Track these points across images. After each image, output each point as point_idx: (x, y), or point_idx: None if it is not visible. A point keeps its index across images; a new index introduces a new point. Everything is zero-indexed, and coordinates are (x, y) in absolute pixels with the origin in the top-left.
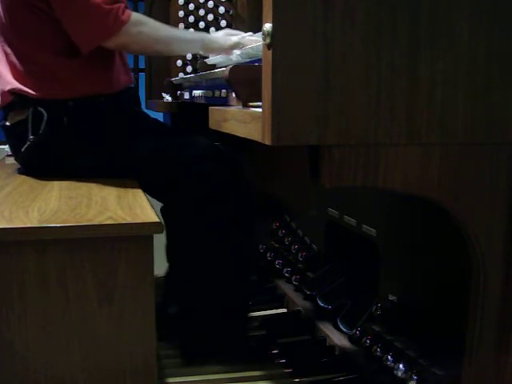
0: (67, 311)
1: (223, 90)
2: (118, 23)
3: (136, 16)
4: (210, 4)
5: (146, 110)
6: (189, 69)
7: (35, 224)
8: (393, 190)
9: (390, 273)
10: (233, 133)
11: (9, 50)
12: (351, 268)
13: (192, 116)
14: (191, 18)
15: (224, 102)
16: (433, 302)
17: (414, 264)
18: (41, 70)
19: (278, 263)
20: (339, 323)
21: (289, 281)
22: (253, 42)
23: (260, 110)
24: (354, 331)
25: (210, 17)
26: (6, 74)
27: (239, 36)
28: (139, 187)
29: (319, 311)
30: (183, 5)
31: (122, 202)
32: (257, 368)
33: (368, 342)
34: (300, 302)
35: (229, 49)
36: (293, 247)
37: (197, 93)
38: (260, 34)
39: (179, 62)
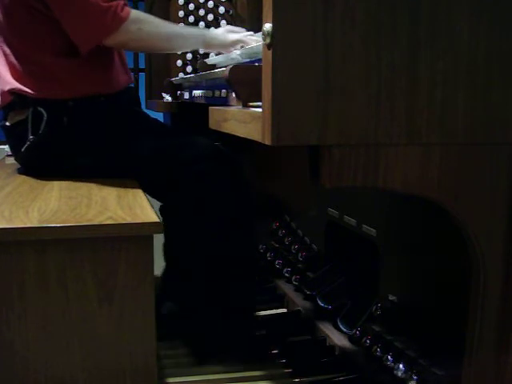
0: (67, 311)
1: (223, 90)
2: (117, 21)
3: (135, 13)
4: (210, 4)
5: (146, 110)
6: (189, 69)
7: (35, 224)
8: (393, 190)
9: (390, 273)
10: (233, 133)
11: (8, 51)
12: (351, 268)
13: (192, 116)
14: (191, 18)
15: (224, 101)
16: (433, 302)
17: (414, 264)
18: (40, 70)
19: (278, 263)
20: (339, 323)
21: (289, 281)
22: (253, 40)
23: (260, 110)
24: (353, 331)
25: (210, 17)
26: (6, 75)
27: (240, 34)
28: (139, 187)
29: (319, 311)
30: (183, 5)
31: (122, 201)
32: (257, 368)
33: (368, 341)
34: (300, 302)
35: (229, 45)
36: (293, 247)
37: (197, 93)
38: (260, 33)
39: (179, 62)
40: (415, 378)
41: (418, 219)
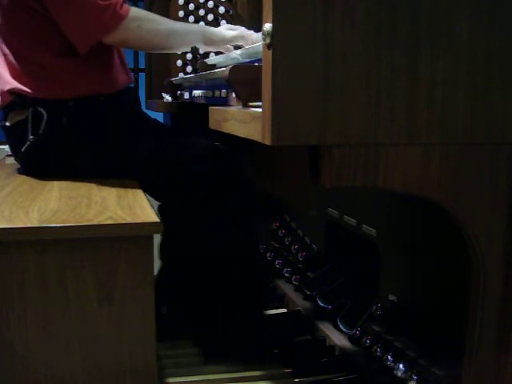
0: (67, 311)
1: (223, 90)
2: (116, 19)
3: (135, 11)
4: (210, 4)
5: (146, 110)
6: (189, 69)
7: (35, 224)
8: (393, 190)
9: (390, 273)
10: (233, 133)
11: (7, 51)
12: (351, 268)
13: (192, 116)
14: (191, 18)
15: (224, 101)
16: (433, 302)
17: (414, 264)
18: (40, 70)
19: (278, 263)
20: (339, 323)
21: (289, 281)
22: (253, 36)
23: (260, 110)
24: (354, 331)
25: (210, 17)
26: (5, 75)
27: (240, 30)
28: (139, 187)
29: (319, 311)
30: (183, 5)
31: (122, 201)
32: (257, 368)
33: (368, 341)
34: (300, 302)
35: (230, 41)
36: (293, 247)
37: (197, 93)
38: (260, 33)
39: (179, 62)
40: (415, 377)
41: (418, 219)
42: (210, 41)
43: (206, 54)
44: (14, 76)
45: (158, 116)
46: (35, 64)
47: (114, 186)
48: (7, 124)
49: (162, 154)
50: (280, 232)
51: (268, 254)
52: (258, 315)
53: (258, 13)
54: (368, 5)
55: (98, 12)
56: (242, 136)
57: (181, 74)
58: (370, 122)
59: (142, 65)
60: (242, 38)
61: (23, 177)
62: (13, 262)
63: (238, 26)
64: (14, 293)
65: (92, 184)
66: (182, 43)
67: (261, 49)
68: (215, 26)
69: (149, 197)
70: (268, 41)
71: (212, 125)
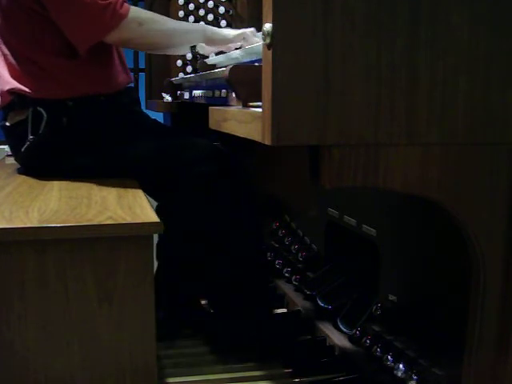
0: (67, 311)
1: (223, 90)
2: (117, 18)
3: (135, 10)
4: (210, 4)
5: (146, 110)
6: (189, 69)
7: (35, 224)
8: (393, 190)
9: (390, 273)
10: (233, 133)
11: (7, 51)
12: (351, 268)
13: (192, 116)
14: (191, 18)
15: (224, 102)
16: (433, 302)
17: (414, 264)
18: (39, 70)
19: (278, 263)
20: (339, 323)
21: (289, 281)
22: (255, 34)
23: (260, 110)
24: (353, 331)
25: (210, 17)
26: (5, 75)
27: (242, 30)
28: (139, 187)
29: (319, 311)
30: (183, 5)
31: (121, 201)
32: (257, 368)
33: (368, 342)
34: (300, 302)
35: (232, 40)
36: (293, 247)
37: (197, 93)
38: (261, 33)
39: (179, 62)
40: (415, 377)
41: (418, 219)
42: (211, 40)
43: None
44: (14, 76)
45: (158, 116)
46: (35, 64)
47: (113, 186)
48: (7, 124)
49: (162, 154)
50: (280, 232)
51: (268, 254)
52: (264, 313)
53: (258, 13)
54: (368, 5)
55: (97, 11)
56: (242, 136)
57: (181, 74)
58: (369, 122)
59: (142, 65)
60: (244, 37)
61: (23, 177)
62: (13, 261)
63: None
64: (13, 293)
65: (92, 184)
66: (182, 42)
67: (261, 49)
68: (215, 26)
69: (148, 197)
70: (268, 41)
71: (212, 125)
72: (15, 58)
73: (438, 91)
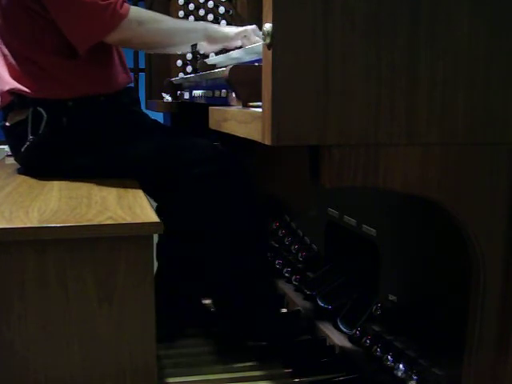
0: (67, 311)
1: (223, 90)
2: (117, 18)
3: (135, 10)
4: (210, 4)
5: (146, 110)
6: (189, 69)
7: (35, 224)
8: (393, 190)
9: (390, 273)
10: (233, 133)
11: (6, 52)
12: (351, 268)
13: (192, 116)
14: (191, 18)
15: (224, 102)
16: (433, 302)
17: (414, 264)
18: (39, 70)
19: (278, 263)
20: (339, 323)
21: (289, 281)
22: (256, 31)
23: (260, 110)
24: (353, 331)
25: (210, 17)
26: (5, 75)
27: (243, 27)
28: (139, 187)
29: (319, 311)
30: (183, 5)
31: (122, 201)
32: (257, 368)
33: (368, 342)
34: (300, 302)
35: (233, 38)
36: (293, 247)
37: (197, 93)
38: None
39: (179, 62)
40: (415, 378)
41: (418, 219)
42: (212, 38)
43: (206, 54)
44: (14, 76)
45: (158, 116)
46: (35, 64)
47: (113, 186)
48: (7, 124)
49: (162, 154)
50: (280, 232)
51: (268, 254)
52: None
53: (258, 13)
54: (368, 5)
55: (98, 12)
56: (242, 136)
57: (181, 74)
58: (369, 122)
59: (142, 65)
60: (245, 35)
61: (23, 177)
62: (13, 261)
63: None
64: (13, 293)
65: (92, 184)
66: (183, 41)
67: (261, 49)
68: None
69: (148, 197)
70: (268, 41)
71: (212, 125)
72: (15, 59)
73: (437, 91)
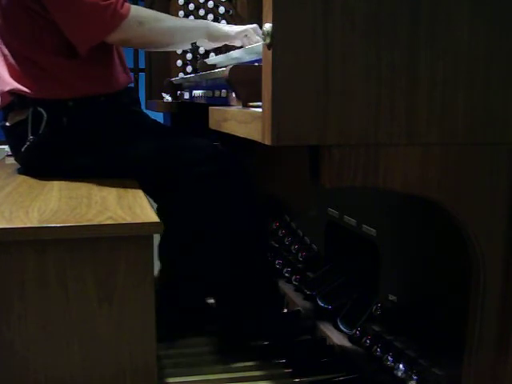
0: (67, 311)
1: (223, 90)
2: (118, 18)
3: (136, 9)
4: (210, 4)
5: (146, 110)
6: (189, 69)
7: (35, 224)
8: (393, 190)
9: (390, 273)
10: (233, 133)
11: (7, 52)
12: (351, 268)
13: (192, 116)
14: (191, 18)
15: (224, 102)
16: (433, 302)
17: (414, 264)
18: (40, 70)
19: (278, 263)
20: (339, 323)
21: (289, 281)
22: (257, 30)
23: (260, 110)
24: (353, 331)
25: (210, 17)
26: (5, 75)
27: (244, 26)
28: (139, 187)
29: (319, 311)
30: (183, 5)
31: (122, 201)
32: (257, 368)
33: (368, 341)
34: (300, 302)
35: (234, 37)
36: (293, 247)
37: (197, 93)
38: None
39: (179, 62)
40: (415, 378)
41: (418, 219)
42: (213, 37)
43: (206, 54)
44: (14, 76)
45: (158, 116)
46: (35, 64)
47: (114, 186)
48: (7, 124)
49: (162, 154)
50: (280, 232)
51: (268, 254)
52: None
53: (258, 13)
54: (368, 5)
55: (98, 12)
56: (242, 136)
57: (181, 74)
58: (369, 122)
59: (142, 65)
60: (246, 34)
61: (23, 177)
62: (13, 261)
63: (239, 26)
64: (13, 293)
65: (92, 184)
66: (184, 40)
67: (261, 49)
68: None
69: (148, 197)
70: (268, 41)
71: (212, 125)
72: (15, 59)
73: (437, 91)
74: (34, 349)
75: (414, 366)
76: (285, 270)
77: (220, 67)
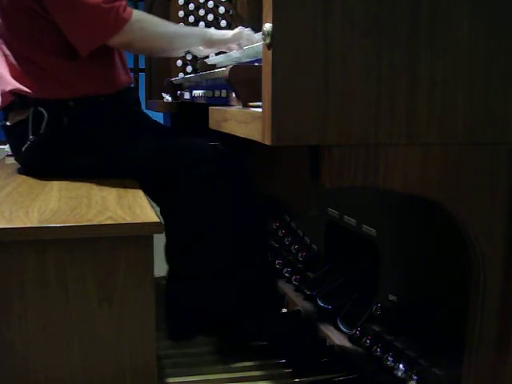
0: (67, 311)
1: (223, 90)
2: (120, 21)
3: (137, 13)
4: (210, 4)
5: (146, 110)
6: (189, 69)
7: (35, 224)
8: (393, 190)
9: (390, 273)
10: (233, 133)
11: (8, 52)
12: (351, 268)
13: (192, 116)
14: (191, 18)
15: (224, 102)
16: (433, 302)
17: (414, 264)
18: (40, 70)
19: (278, 263)
20: (339, 323)
21: (289, 281)
22: (251, 35)
23: (260, 110)
24: (353, 331)
25: (210, 17)
26: (6, 75)
27: (238, 28)
28: (139, 187)
29: (319, 311)
30: (183, 5)
31: (122, 201)
32: (257, 368)
33: (368, 342)
34: (300, 302)
35: (231, 40)
36: (293, 247)
37: (197, 93)
38: (260, 33)
39: (179, 62)
40: (415, 378)
41: (418, 219)
42: (211, 42)
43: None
44: (15, 76)
45: (158, 116)
46: (36, 65)
47: (113, 186)
48: (8, 124)
49: (162, 154)
50: (280, 232)
51: (268, 254)
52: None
53: (258, 13)
54: (368, 5)
55: (101, 15)
56: (242, 136)
57: (181, 74)
58: (369, 122)
59: (142, 65)
60: (242, 38)
61: (23, 177)
62: (13, 261)
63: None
64: (13, 293)
65: (92, 184)
66: (182, 46)
67: (261, 49)
68: (215, 27)
69: (148, 197)
70: (268, 41)
71: (212, 125)
72: (16, 59)
73: (437, 91)
74: (34, 349)
75: (414, 366)
76: (285, 269)
77: (220, 67)
